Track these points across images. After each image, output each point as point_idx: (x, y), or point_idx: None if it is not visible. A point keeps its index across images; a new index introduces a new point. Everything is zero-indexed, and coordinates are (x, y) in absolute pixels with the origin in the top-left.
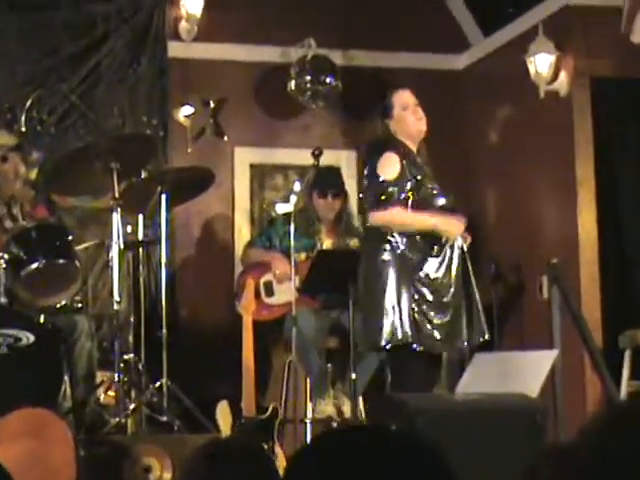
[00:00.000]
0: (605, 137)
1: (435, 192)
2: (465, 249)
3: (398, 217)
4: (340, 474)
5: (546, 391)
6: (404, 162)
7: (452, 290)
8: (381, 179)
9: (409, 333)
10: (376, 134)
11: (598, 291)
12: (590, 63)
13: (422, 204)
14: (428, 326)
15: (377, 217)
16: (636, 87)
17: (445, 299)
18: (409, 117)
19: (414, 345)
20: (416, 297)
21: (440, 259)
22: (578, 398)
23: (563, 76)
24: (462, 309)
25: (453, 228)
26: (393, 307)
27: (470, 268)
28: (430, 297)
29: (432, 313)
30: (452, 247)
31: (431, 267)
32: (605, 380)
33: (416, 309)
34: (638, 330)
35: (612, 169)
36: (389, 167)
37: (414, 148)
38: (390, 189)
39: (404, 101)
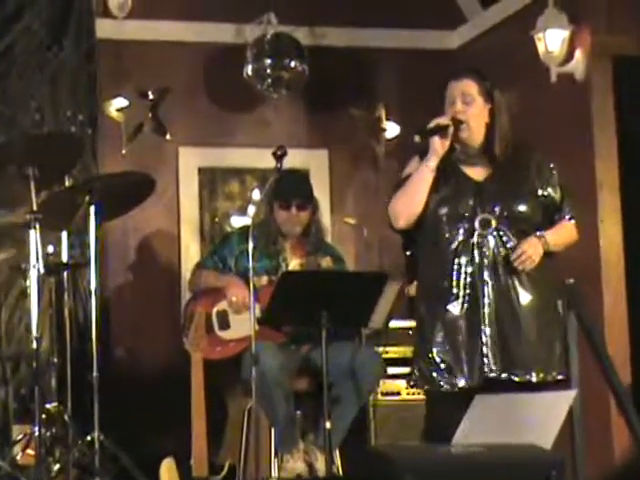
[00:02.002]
0: (630, 128)
1: None
2: None
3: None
4: None
5: (563, 441)
6: None
7: None
8: None
9: None
10: None
11: (625, 317)
12: (611, 40)
13: None
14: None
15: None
16: None
17: None
18: None
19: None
20: None
21: None
22: (602, 448)
23: (579, 55)
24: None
25: None
26: None
27: None
28: None
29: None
30: None
31: None
32: (634, 426)
33: None
34: None
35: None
36: None
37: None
38: None
39: (450, 94)
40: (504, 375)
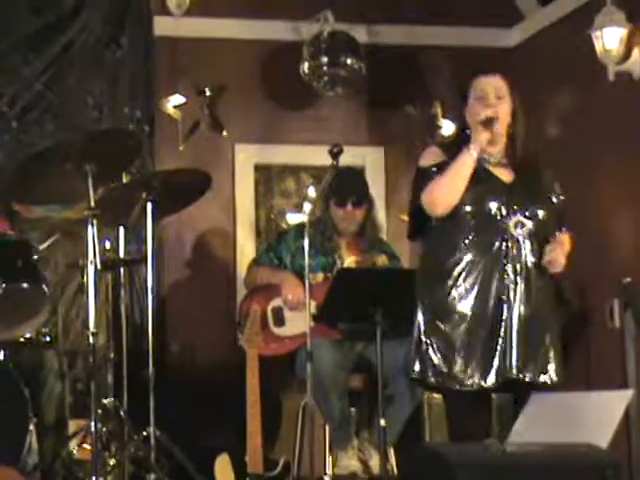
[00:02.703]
0: None
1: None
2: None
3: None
4: None
5: (619, 441)
6: None
7: None
8: None
9: None
10: None
11: None
12: None
13: None
14: None
15: None
16: None
17: None
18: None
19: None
20: None
21: None
22: None
23: (636, 54)
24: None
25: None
26: None
27: None
28: None
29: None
30: None
31: None
32: None
33: None
34: None
35: None
36: None
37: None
38: None
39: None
40: (521, 375)
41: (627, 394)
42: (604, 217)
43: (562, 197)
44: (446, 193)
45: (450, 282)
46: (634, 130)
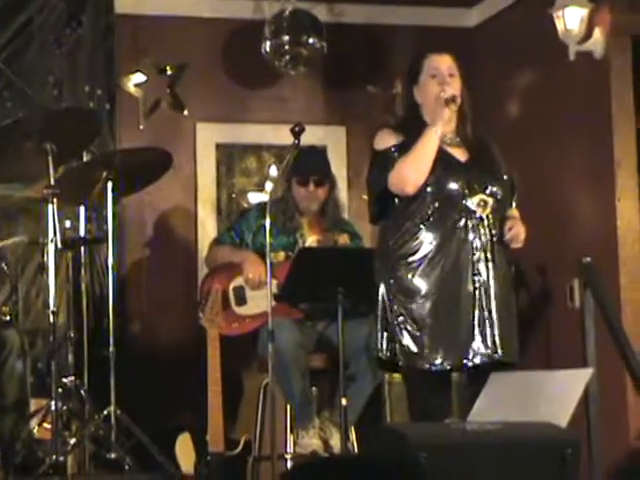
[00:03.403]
0: None
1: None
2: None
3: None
4: None
5: (578, 419)
6: None
7: None
8: None
9: None
10: None
11: None
12: (632, 18)
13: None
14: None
15: None
16: None
17: None
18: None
19: None
20: None
21: None
22: (617, 427)
23: (598, 34)
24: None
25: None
26: None
27: None
28: None
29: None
30: None
31: None
32: None
33: None
34: None
35: None
36: None
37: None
38: None
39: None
40: (485, 357)
41: (587, 373)
42: (565, 196)
43: (508, 176)
44: (415, 171)
45: (415, 263)
46: (595, 109)
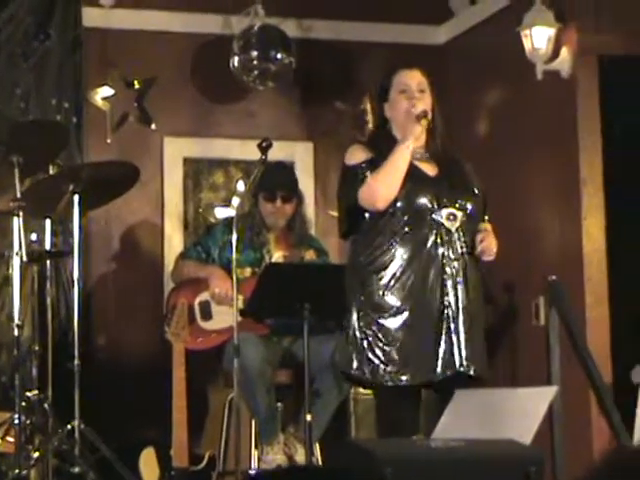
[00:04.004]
0: (615, 128)
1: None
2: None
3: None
4: None
5: (542, 437)
6: None
7: None
8: None
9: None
10: None
11: (607, 314)
12: (598, 38)
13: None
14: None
15: None
16: None
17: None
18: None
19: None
20: None
21: None
22: (582, 445)
23: (565, 53)
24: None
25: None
26: None
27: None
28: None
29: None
30: None
31: None
32: (614, 423)
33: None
34: None
35: (623, 166)
36: None
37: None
38: None
39: (401, 81)
40: (454, 372)
41: (551, 390)
42: (531, 215)
43: (480, 190)
44: (386, 187)
45: (385, 278)
46: (561, 128)
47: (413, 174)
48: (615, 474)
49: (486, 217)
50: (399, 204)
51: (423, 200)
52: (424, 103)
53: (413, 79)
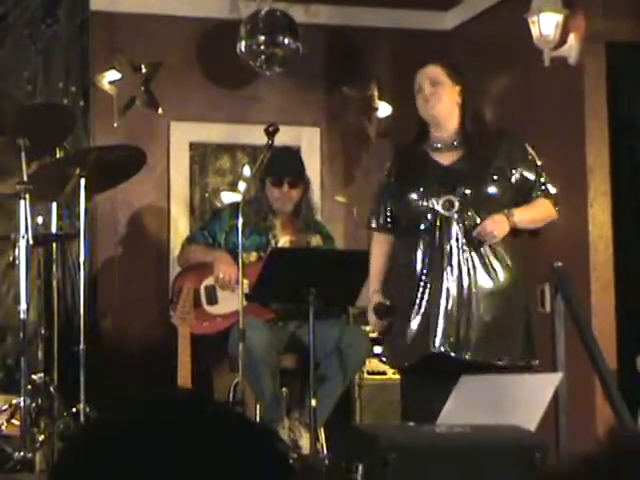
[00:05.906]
0: (622, 115)
1: None
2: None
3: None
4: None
5: (547, 423)
6: None
7: None
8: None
9: None
10: None
11: (612, 301)
12: (606, 25)
13: None
14: None
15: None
16: None
17: None
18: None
19: None
20: None
21: None
22: (586, 431)
23: (573, 40)
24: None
25: None
26: None
27: None
28: None
29: None
30: None
31: None
32: (619, 409)
33: None
34: None
35: (631, 154)
36: None
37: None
38: None
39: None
40: (453, 354)
41: (556, 377)
42: None
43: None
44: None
45: (396, 269)
46: (568, 115)
47: (425, 167)
48: (618, 458)
49: (536, 194)
50: (413, 195)
51: (429, 189)
52: (438, 97)
53: (425, 76)
